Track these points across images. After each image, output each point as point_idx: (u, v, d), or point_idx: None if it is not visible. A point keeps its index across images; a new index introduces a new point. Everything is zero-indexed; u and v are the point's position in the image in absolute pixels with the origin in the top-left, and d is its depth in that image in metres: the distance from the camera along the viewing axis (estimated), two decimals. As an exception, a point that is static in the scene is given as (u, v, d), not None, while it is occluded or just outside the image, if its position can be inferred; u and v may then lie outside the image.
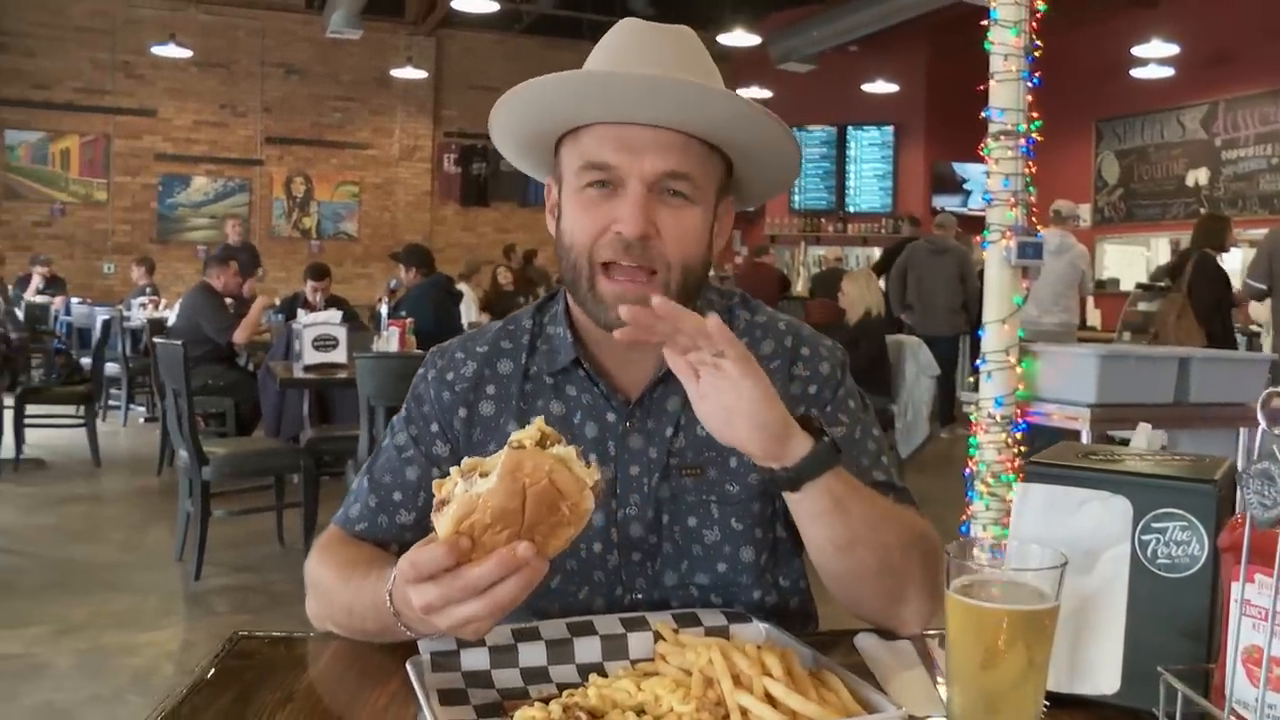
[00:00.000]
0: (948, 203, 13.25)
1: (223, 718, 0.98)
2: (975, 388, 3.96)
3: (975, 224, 6.12)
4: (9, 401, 6.70)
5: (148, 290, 10.39)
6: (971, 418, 3.95)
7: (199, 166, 13.81)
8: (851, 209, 14.73)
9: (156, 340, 4.90)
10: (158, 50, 12.44)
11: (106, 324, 7.45)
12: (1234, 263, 7.80)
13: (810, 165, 14.77)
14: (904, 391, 6.72)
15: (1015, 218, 3.76)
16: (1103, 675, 0.95)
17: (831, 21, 12.04)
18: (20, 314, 9.21)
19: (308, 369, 5.27)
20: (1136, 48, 10.84)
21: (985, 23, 3.86)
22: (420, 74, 13.74)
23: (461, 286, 8.34)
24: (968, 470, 3.91)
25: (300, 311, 6.93)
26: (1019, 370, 3.77)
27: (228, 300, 7.03)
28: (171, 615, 4.17)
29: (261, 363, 6.83)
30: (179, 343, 4.46)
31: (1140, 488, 0.94)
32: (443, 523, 0.91)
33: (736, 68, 14.39)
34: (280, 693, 1.03)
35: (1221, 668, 0.85)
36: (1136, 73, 11.40)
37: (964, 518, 3.90)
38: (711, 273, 1.32)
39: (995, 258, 3.78)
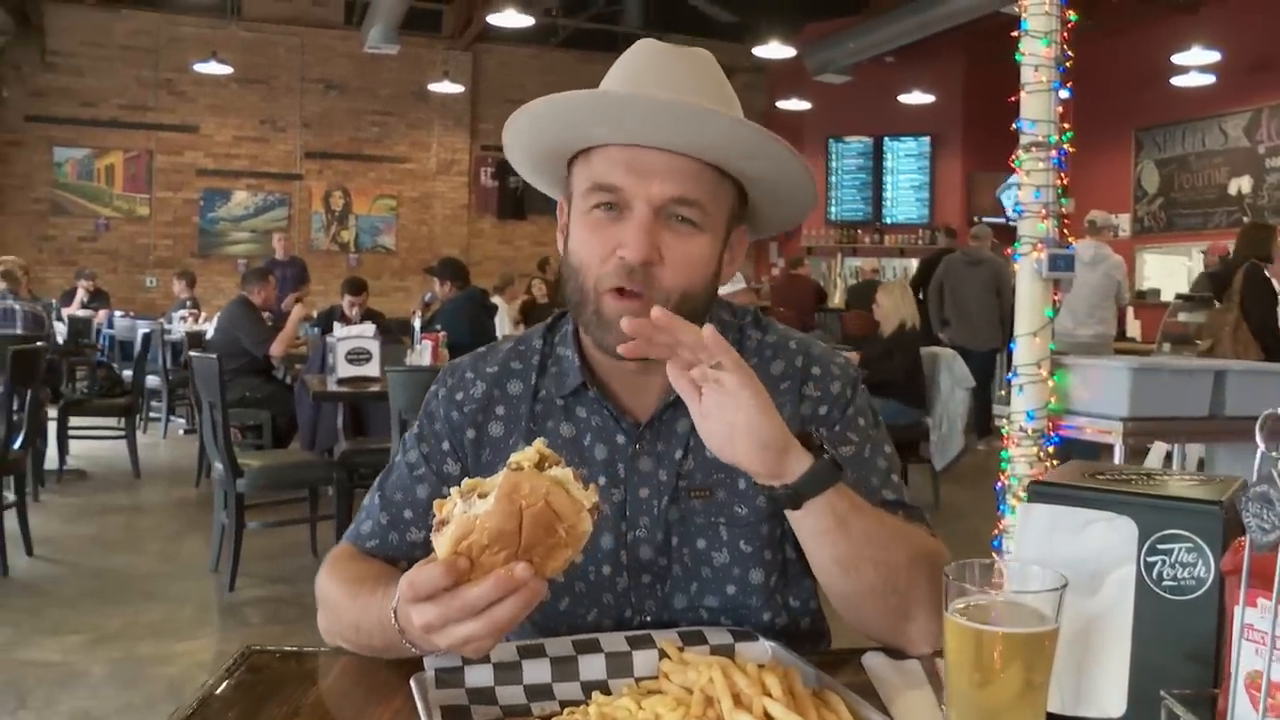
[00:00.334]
0: (989, 214, 13.15)
1: (229, 732, 0.99)
2: (1007, 401, 3.93)
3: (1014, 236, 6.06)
4: (52, 414, 6.82)
5: (188, 304, 10.55)
6: (1003, 431, 3.92)
7: (239, 181, 14.00)
8: (888, 220, 14.66)
9: (192, 354, 4.97)
10: (199, 67, 12.68)
11: (147, 337, 7.56)
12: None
13: (847, 176, 14.73)
14: (939, 404, 6.67)
15: (1047, 230, 3.73)
16: (1108, 698, 0.94)
17: (868, 33, 12.01)
18: (63, 328, 9.38)
19: (341, 382, 5.32)
20: (1177, 55, 10.70)
21: (1016, 34, 3.84)
22: (457, 88, 13.86)
23: (496, 300, 8.39)
24: (999, 484, 3.88)
25: (336, 325, 7.00)
26: (1051, 383, 3.74)
27: (266, 314, 7.12)
28: (205, 626, 4.21)
29: (298, 375, 6.90)
30: (214, 356, 4.52)
31: (1145, 509, 0.93)
32: (441, 543, 0.92)
33: (773, 80, 14.40)
34: (287, 707, 1.04)
35: (1225, 693, 0.84)
36: (1177, 81, 11.26)
37: (996, 531, 3.87)
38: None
39: (1026, 270, 3.76)
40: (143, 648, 3.88)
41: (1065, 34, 3.80)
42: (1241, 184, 11.23)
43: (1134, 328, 10.27)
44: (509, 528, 0.90)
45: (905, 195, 14.57)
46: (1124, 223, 12.38)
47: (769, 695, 0.93)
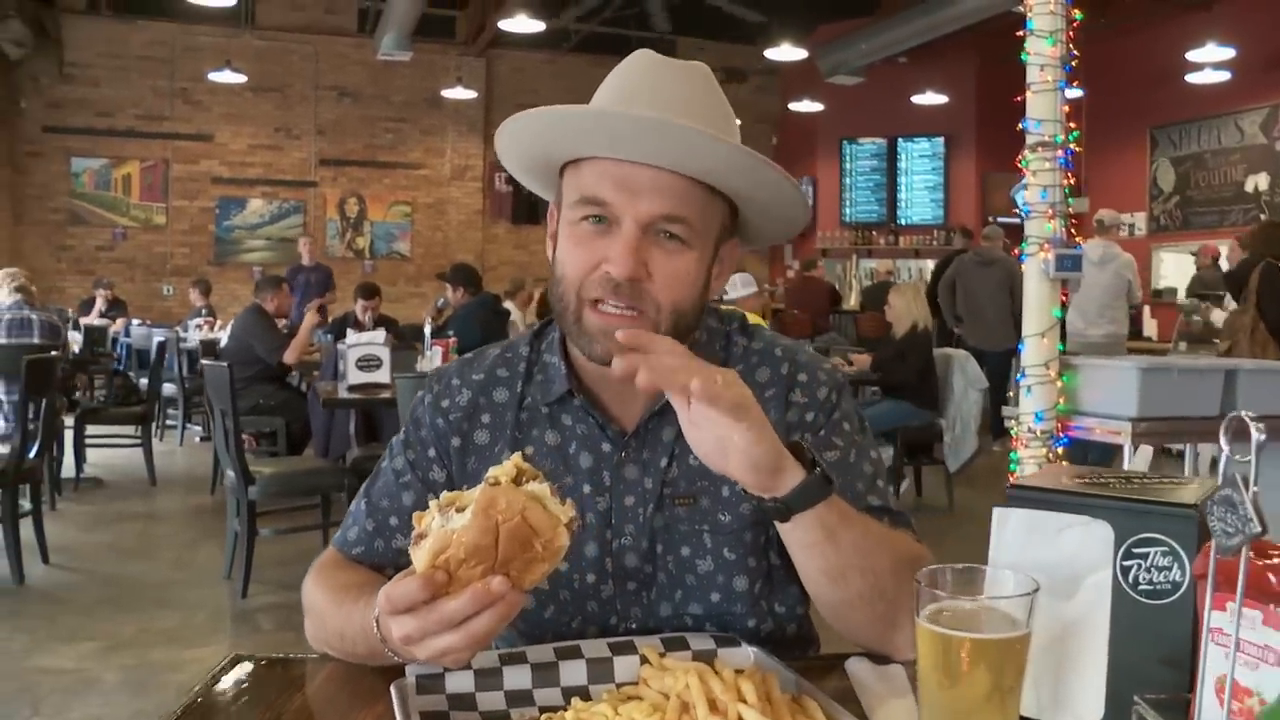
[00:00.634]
0: (1004, 214, 13.10)
1: (210, 740, 1.00)
2: (1016, 402, 3.92)
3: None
4: (69, 422, 6.87)
5: (204, 312, 10.61)
6: (1013, 432, 3.90)
7: (254, 189, 14.10)
8: (903, 221, 14.61)
9: (205, 362, 5.00)
10: (214, 76, 12.78)
11: (162, 345, 7.60)
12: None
13: (861, 178, 14.69)
14: (952, 405, 6.65)
15: (1053, 230, 3.72)
16: (1085, 703, 0.94)
17: (880, 34, 11.98)
18: (78, 336, 9.45)
19: (352, 389, 5.34)
20: (1191, 52, 10.63)
21: (1021, 33, 3.83)
22: (470, 94, 13.90)
23: (508, 305, 8.40)
24: (1009, 486, 3.86)
25: (349, 331, 7.03)
26: (1059, 384, 3.72)
27: (282, 321, 7.16)
28: (218, 632, 4.24)
29: (313, 382, 6.94)
30: (225, 364, 4.55)
31: (1121, 513, 0.93)
32: (419, 557, 0.93)
33: (786, 82, 14.39)
34: (271, 712, 1.05)
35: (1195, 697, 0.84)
36: (1192, 78, 11.18)
37: (1006, 534, 3.85)
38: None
39: (1034, 270, 3.74)
40: (155, 655, 3.90)
41: (1071, 33, 3.78)
42: (1259, 181, 11.14)
43: (1150, 327, 10.20)
44: (485, 543, 0.90)
45: (920, 196, 14.52)
46: (1140, 221, 12.31)
47: (744, 701, 0.93)
